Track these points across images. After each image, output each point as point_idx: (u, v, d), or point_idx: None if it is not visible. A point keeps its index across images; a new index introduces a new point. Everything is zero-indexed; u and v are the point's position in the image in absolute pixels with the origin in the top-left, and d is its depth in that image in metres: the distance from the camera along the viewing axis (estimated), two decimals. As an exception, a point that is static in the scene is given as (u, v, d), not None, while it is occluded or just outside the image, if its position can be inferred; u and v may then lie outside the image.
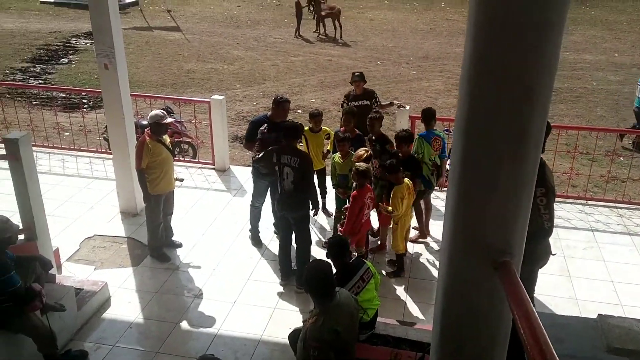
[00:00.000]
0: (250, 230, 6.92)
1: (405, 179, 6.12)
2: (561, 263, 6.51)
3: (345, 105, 7.83)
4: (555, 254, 4.89)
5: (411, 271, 6.42)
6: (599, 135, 10.09)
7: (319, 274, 3.84)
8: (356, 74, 7.90)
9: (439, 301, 2.76)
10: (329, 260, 4.29)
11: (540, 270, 4.81)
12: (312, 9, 22.08)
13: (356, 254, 5.72)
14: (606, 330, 3.65)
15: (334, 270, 4.39)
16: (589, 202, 7.97)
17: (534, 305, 2.47)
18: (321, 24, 21.21)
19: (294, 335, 4.34)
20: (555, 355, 1.82)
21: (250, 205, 6.78)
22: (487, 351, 2.61)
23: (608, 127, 11.57)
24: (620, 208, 7.83)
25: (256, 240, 6.87)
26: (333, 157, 6.72)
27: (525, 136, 2.37)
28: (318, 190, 7.43)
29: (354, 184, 5.88)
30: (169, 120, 6.25)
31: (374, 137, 6.71)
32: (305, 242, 6.03)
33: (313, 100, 14.27)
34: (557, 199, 4.76)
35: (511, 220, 2.49)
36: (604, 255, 6.71)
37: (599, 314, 3.80)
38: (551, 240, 4.67)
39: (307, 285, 3.85)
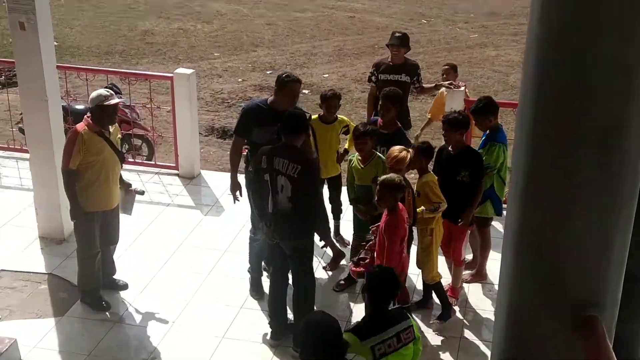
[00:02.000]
0: (248, 271, 6.92)
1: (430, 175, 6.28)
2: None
3: (373, 78, 7.90)
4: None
5: (463, 327, 6.41)
6: None
7: (321, 334, 3.83)
8: (397, 34, 8.04)
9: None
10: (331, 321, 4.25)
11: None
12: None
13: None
14: None
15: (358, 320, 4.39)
16: None
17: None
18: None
19: None
20: None
21: (250, 236, 6.79)
22: None
23: None
24: None
25: (257, 288, 6.84)
26: (350, 160, 6.74)
27: (621, 134, 2.37)
28: (329, 208, 7.47)
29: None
30: (115, 100, 6.33)
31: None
32: (306, 284, 6.03)
33: (326, 75, 14.33)
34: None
35: (601, 259, 2.49)
36: None
37: None
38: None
39: (302, 350, 3.86)
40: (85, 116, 6.31)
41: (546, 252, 2.51)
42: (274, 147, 5.82)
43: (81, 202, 6.22)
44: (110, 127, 6.35)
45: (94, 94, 6.27)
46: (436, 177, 6.29)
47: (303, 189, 5.69)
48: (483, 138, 6.84)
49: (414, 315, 6.07)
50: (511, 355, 2.65)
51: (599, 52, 2.28)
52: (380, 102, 6.88)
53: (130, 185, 6.80)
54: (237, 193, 6.67)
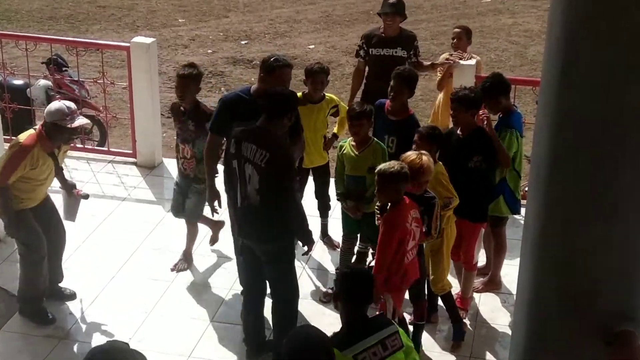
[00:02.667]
0: (241, 293, 6.73)
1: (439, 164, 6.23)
2: None
3: (362, 53, 7.87)
4: None
5: (474, 345, 6.44)
6: None
7: (308, 350, 3.85)
8: (390, 1, 7.99)
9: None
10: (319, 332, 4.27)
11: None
12: None
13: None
14: None
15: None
16: None
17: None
18: None
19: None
20: None
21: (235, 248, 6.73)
22: None
23: None
24: None
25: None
26: (341, 147, 6.71)
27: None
28: (317, 203, 7.49)
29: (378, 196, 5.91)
30: (80, 121, 6.29)
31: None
32: (286, 295, 6.03)
33: (311, 47, 14.32)
34: None
35: (636, 268, 2.50)
36: None
37: None
38: None
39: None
40: (39, 128, 6.27)
41: (573, 258, 2.51)
42: (245, 130, 5.77)
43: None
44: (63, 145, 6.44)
45: (52, 107, 6.25)
46: (444, 168, 6.26)
47: (272, 180, 5.65)
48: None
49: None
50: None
51: (632, 25, 2.28)
52: (391, 82, 6.79)
53: (74, 186, 6.79)
54: (216, 203, 6.57)
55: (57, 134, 6.20)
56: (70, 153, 9.12)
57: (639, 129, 2.39)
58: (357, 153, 6.51)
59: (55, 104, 6.29)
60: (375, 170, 5.76)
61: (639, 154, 2.40)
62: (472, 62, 8.22)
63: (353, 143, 6.58)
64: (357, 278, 4.64)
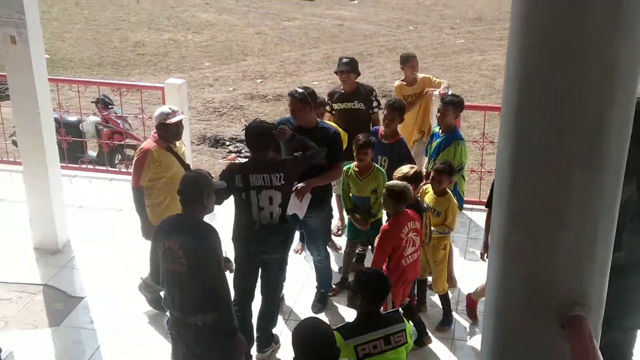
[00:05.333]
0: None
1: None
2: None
3: (328, 108, 7.56)
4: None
5: (455, 329, 6.39)
6: None
7: (317, 338, 3.82)
8: (344, 59, 7.63)
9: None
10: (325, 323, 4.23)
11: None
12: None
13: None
14: None
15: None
16: None
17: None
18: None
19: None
20: None
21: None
22: None
23: None
24: None
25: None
26: (346, 171, 6.58)
27: (603, 134, 2.37)
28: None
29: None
30: (178, 117, 6.24)
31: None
32: (278, 294, 6.08)
33: (315, 83, 14.34)
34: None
35: (586, 257, 2.50)
36: None
37: None
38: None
39: (297, 354, 3.84)
40: (153, 133, 6.29)
41: (533, 257, 2.50)
42: (245, 164, 5.79)
43: (152, 220, 6.11)
44: (176, 142, 6.36)
45: (156, 112, 6.23)
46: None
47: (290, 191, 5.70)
48: (438, 140, 6.91)
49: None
50: (500, 357, 2.65)
51: (581, 53, 2.28)
52: (384, 113, 6.90)
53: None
54: None
55: (165, 132, 6.16)
56: (117, 175, 9.19)
57: (586, 148, 2.38)
58: (361, 179, 6.49)
59: (158, 109, 6.28)
60: (384, 185, 5.85)
61: (586, 169, 2.40)
62: (448, 88, 8.11)
63: (356, 169, 6.51)
64: (376, 279, 4.62)
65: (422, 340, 6.11)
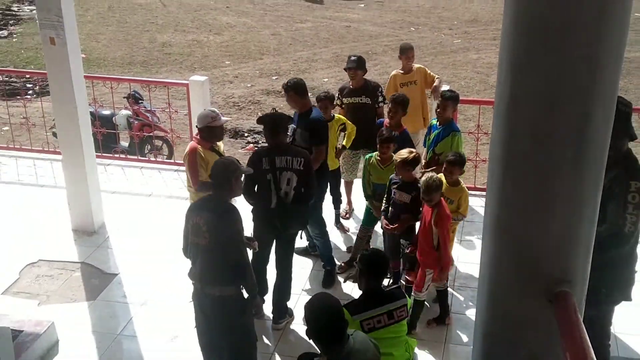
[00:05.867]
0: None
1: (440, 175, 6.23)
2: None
3: (338, 102, 7.56)
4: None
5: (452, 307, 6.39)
6: None
7: (326, 311, 3.81)
8: (352, 57, 7.59)
9: (478, 345, 2.75)
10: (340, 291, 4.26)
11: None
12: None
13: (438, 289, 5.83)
14: None
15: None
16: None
17: (608, 350, 2.43)
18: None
19: None
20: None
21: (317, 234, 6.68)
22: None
23: None
24: None
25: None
26: (368, 159, 6.62)
27: (588, 127, 2.36)
28: (331, 198, 7.46)
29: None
30: (223, 120, 6.19)
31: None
32: (290, 268, 6.08)
33: (325, 80, 14.31)
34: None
35: (572, 239, 2.49)
36: None
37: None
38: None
39: (309, 326, 3.84)
40: (195, 135, 6.22)
41: (523, 237, 2.50)
42: (270, 148, 5.81)
43: None
44: (218, 142, 6.31)
45: (200, 115, 6.11)
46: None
47: (305, 181, 5.72)
48: (436, 131, 6.86)
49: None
50: (492, 329, 2.65)
51: (567, 51, 2.27)
52: (389, 106, 6.97)
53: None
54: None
55: (210, 134, 6.06)
56: (147, 163, 9.24)
57: (572, 139, 2.38)
58: (382, 167, 6.49)
59: (202, 113, 6.17)
60: (422, 179, 5.77)
61: (572, 159, 2.39)
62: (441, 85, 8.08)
63: (378, 158, 6.52)
64: (376, 257, 4.64)
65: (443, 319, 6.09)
